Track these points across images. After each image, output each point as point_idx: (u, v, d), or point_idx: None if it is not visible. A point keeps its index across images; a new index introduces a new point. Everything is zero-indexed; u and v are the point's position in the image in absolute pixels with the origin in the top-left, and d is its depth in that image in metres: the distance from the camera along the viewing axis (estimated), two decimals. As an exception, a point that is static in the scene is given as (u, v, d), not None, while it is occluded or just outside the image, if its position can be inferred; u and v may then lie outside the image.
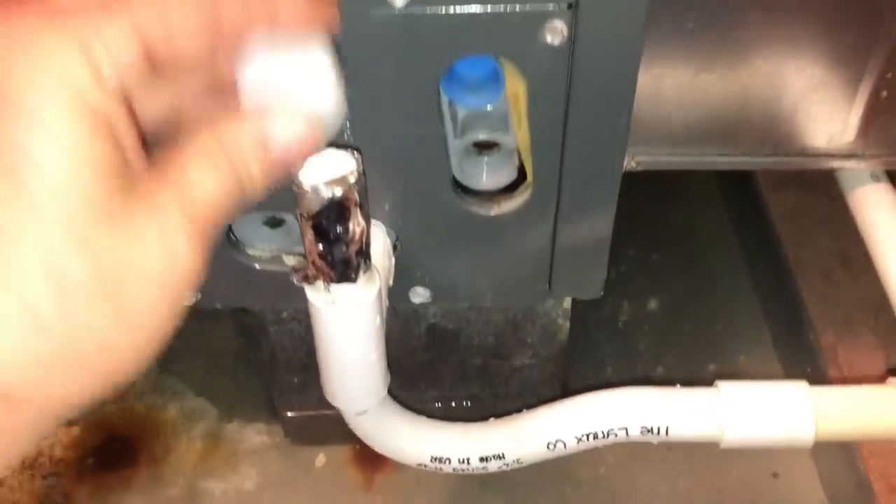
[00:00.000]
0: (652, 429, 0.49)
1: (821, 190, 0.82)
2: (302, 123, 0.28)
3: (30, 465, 0.74)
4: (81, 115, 0.22)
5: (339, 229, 0.38)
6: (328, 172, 0.36)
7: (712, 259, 0.90)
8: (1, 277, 0.22)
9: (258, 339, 0.66)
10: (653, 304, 0.86)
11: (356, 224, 0.38)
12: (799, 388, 0.49)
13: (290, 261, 0.44)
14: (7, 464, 0.24)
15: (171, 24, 0.24)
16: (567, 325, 0.64)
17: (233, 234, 0.49)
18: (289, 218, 0.48)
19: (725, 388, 0.50)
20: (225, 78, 0.29)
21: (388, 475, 0.74)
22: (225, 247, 0.48)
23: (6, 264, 0.22)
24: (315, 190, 0.36)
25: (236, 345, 0.80)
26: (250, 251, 0.49)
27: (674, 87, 0.51)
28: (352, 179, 0.37)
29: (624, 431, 0.49)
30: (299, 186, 0.36)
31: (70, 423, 0.77)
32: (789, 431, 0.48)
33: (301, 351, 0.65)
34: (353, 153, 0.37)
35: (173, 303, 0.25)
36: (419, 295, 0.52)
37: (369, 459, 0.74)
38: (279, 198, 0.35)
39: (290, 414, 0.72)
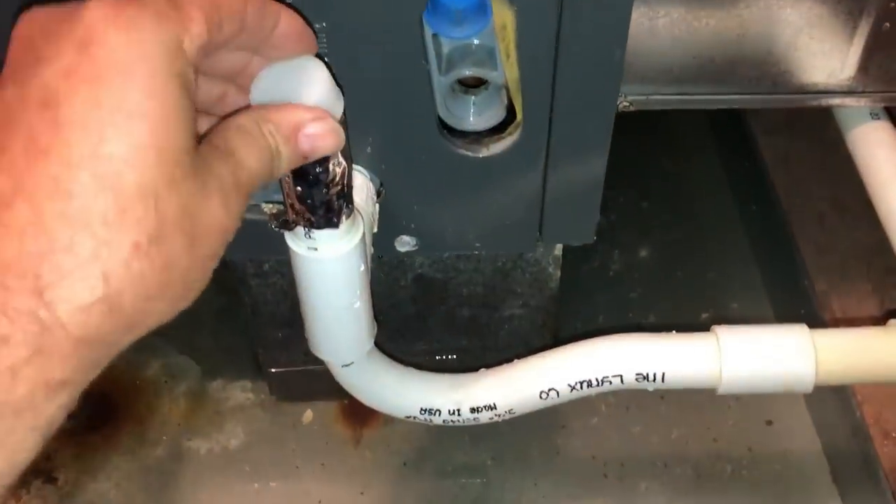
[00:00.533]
0: (647, 375, 0.48)
1: (814, 135, 0.81)
2: (325, 121, 0.34)
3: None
4: (170, 75, 0.28)
5: (318, 169, 0.36)
6: None
7: (704, 206, 0.89)
8: (115, 203, 0.26)
9: (240, 293, 0.64)
10: (644, 253, 0.85)
11: (336, 164, 0.37)
12: (798, 330, 0.48)
13: (269, 208, 0.42)
14: (99, 368, 0.29)
15: (221, 19, 0.30)
16: (558, 273, 0.63)
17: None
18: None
19: (722, 332, 0.49)
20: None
21: (376, 430, 0.73)
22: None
23: (118, 191, 0.26)
24: None
25: (219, 301, 0.79)
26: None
27: (668, 22, 0.50)
28: (331, 116, 0.35)
29: (619, 378, 0.48)
30: None
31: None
32: (789, 375, 0.47)
33: (284, 305, 0.64)
34: (332, 89, 0.35)
35: (222, 248, 0.30)
36: (405, 243, 0.51)
37: (357, 415, 0.74)
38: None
39: (274, 370, 0.71)
